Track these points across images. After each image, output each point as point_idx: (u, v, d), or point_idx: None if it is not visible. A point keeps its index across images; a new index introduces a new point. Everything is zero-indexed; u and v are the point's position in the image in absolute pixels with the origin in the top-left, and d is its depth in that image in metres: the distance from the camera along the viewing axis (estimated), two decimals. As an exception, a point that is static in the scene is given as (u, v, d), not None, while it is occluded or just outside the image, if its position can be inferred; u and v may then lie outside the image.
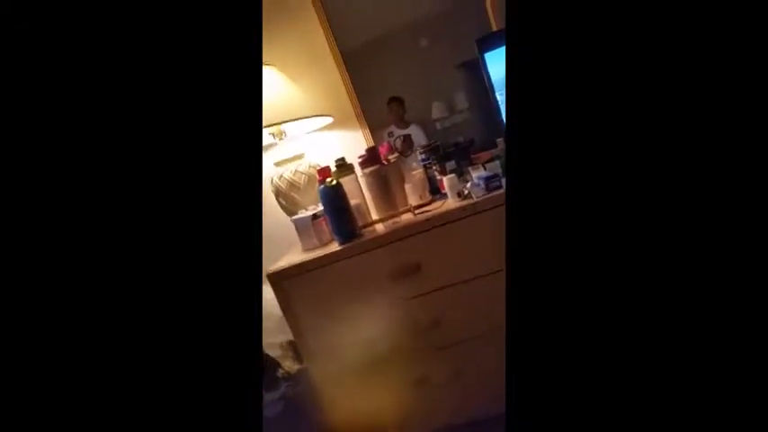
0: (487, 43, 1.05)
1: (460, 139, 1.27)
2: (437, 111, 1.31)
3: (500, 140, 1.09)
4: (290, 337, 1.10)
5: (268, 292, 1.00)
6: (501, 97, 1.06)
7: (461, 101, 1.28)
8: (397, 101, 1.30)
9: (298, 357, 1.15)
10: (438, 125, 1.30)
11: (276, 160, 1.17)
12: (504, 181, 0.91)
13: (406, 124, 1.32)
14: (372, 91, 1.30)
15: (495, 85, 1.06)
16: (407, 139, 1.32)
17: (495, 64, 1.05)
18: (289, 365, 1.13)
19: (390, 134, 1.33)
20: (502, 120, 1.08)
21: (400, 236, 0.91)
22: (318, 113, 1.18)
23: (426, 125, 1.31)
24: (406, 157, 1.23)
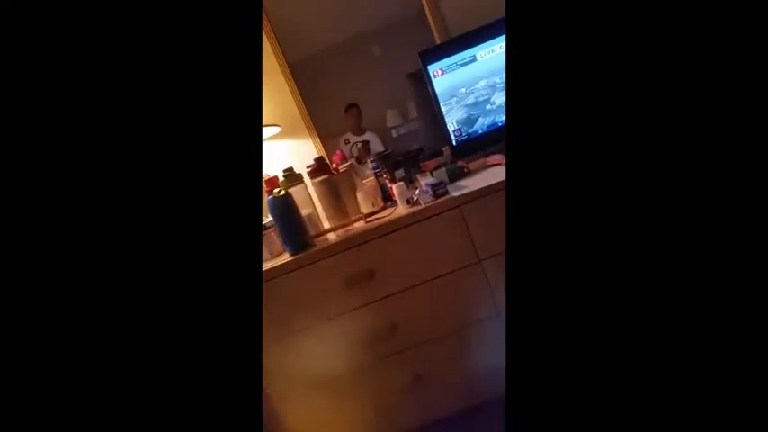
0: (430, 55, 1.09)
1: (415, 146, 1.31)
2: (391, 119, 1.34)
3: (446, 149, 1.14)
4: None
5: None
6: (445, 107, 1.11)
7: (413, 109, 1.32)
8: (355, 108, 1.32)
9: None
10: (393, 132, 1.33)
11: (223, 172, 1.14)
12: (449, 188, 0.95)
13: (362, 132, 1.34)
14: (324, 99, 1.30)
15: (438, 96, 1.10)
16: (365, 146, 1.34)
17: (438, 75, 1.09)
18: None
19: (347, 141, 1.34)
20: (446, 128, 1.12)
21: (353, 244, 0.91)
22: (265, 123, 1.17)
23: (382, 132, 1.34)
24: (363, 163, 1.25)
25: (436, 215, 0.89)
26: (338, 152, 1.26)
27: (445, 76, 1.09)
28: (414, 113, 1.32)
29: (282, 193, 0.91)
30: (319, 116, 1.30)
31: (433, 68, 1.09)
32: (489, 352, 0.92)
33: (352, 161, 1.25)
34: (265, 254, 1.00)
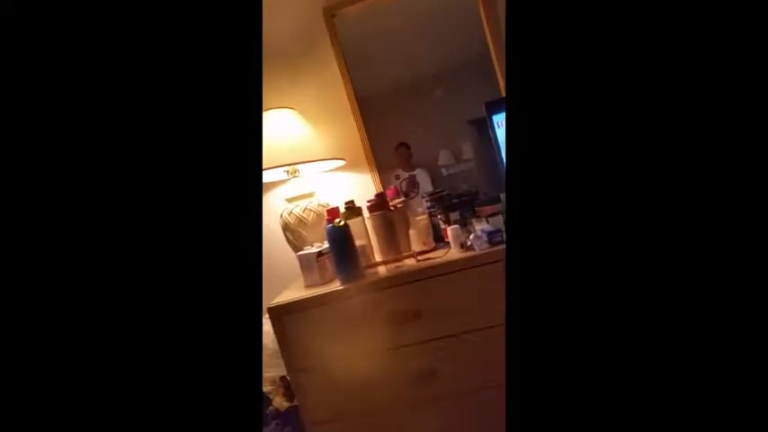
0: (495, 106, 1.12)
1: (464, 186, 1.33)
2: (443, 158, 1.37)
3: (503, 195, 1.14)
4: (283, 372, 1.09)
5: (265, 324, 1.01)
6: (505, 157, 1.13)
7: (468, 151, 1.35)
8: (404, 146, 1.38)
9: (289, 394, 1.14)
10: (444, 171, 1.37)
11: (288, 196, 1.22)
12: (505, 237, 0.95)
13: (412, 168, 1.39)
14: (383, 135, 1.37)
15: (500, 145, 1.13)
16: (412, 180, 1.39)
17: (501, 125, 1.12)
18: (279, 402, 1.11)
19: (397, 177, 1.39)
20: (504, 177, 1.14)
21: (402, 281, 0.93)
22: (332, 156, 1.24)
23: (432, 170, 1.38)
24: (410, 198, 1.29)
25: (490, 263, 0.89)
26: (392, 187, 1.31)
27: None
28: (467, 155, 1.35)
29: (342, 223, 0.96)
30: (379, 151, 1.37)
31: (498, 119, 1.12)
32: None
33: (402, 197, 1.29)
34: (317, 279, 1.04)
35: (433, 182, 1.37)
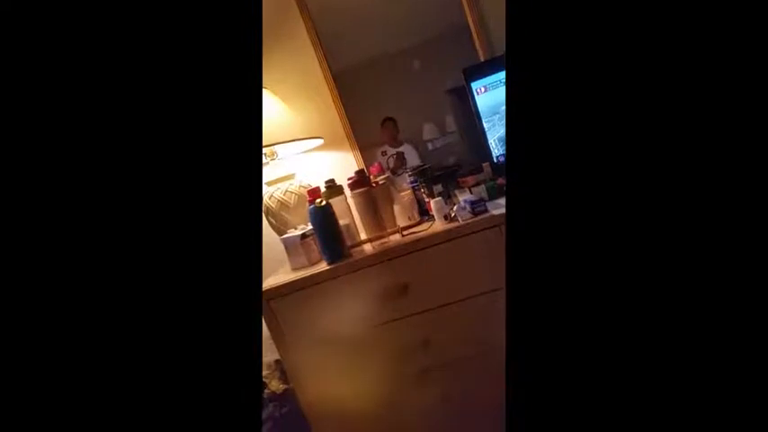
0: (474, 73, 1.09)
1: (451, 160, 1.31)
2: (428, 132, 1.35)
3: (486, 165, 1.13)
4: (277, 356, 1.10)
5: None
6: (487, 124, 1.11)
7: (451, 123, 1.33)
8: (390, 121, 1.34)
9: (284, 377, 1.15)
10: (429, 145, 1.34)
11: (267, 180, 1.19)
12: (488, 205, 0.94)
13: (399, 144, 1.36)
14: (363, 112, 1.33)
15: (481, 113, 1.10)
16: (400, 157, 1.36)
17: (481, 92, 1.10)
18: (275, 385, 1.12)
19: (384, 153, 1.36)
20: (488, 145, 1.12)
21: (388, 256, 0.92)
22: (310, 135, 1.21)
23: (418, 145, 1.35)
24: (398, 175, 1.27)
25: (474, 233, 0.89)
26: (376, 164, 1.28)
27: (488, 93, 1.09)
28: (451, 127, 1.32)
29: (324, 203, 0.94)
30: (359, 127, 1.33)
31: (477, 86, 1.09)
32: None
33: (388, 173, 1.27)
34: (303, 261, 1.03)
35: (420, 157, 1.34)
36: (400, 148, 1.36)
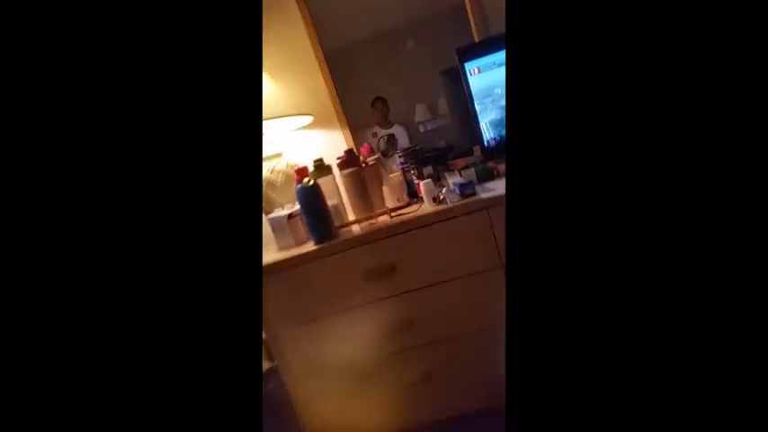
0: (468, 53, 1.07)
1: (443, 143, 1.30)
2: (420, 113, 1.33)
3: (476, 148, 1.12)
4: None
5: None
6: (479, 106, 1.10)
7: (444, 106, 1.31)
8: (381, 101, 1.31)
9: (268, 355, 1.15)
10: (421, 128, 1.32)
11: (254, 157, 1.16)
12: (477, 188, 0.94)
13: (389, 125, 1.34)
14: (355, 91, 1.30)
15: (473, 95, 1.09)
16: (391, 139, 1.34)
17: (474, 73, 1.08)
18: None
19: (374, 134, 1.34)
20: (479, 128, 1.11)
21: (376, 237, 0.92)
22: (298, 112, 1.18)
23: (409, 127, 1.33)
24: (388, 157, 1.25)
25: (462, 215, 0.89)
26: (366, 144, 1.26)
27: (482, 74, 1.08)
28: (444, 110, 1.31)
29: (311, 183, 0.93)
30: (350, 107, 1.31)
31: (470, 66, 1.07)
32: (503, 357, 0.92)
33: (379, 155, 1.25)
34: (290, 241, 1.01)
35: (411, 139, 1.32)
36: (391, 130, 1.33)
